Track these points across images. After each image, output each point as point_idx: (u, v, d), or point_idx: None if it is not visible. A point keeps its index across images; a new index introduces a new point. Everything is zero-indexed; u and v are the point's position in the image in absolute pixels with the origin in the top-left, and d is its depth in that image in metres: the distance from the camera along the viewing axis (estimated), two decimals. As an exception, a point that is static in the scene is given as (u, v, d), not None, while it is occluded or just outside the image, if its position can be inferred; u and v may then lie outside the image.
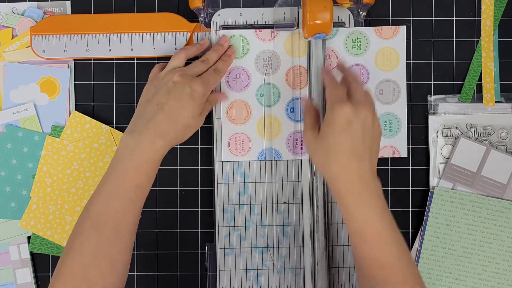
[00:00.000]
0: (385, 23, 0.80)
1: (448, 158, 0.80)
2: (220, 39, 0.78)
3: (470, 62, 0.81)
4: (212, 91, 0.76)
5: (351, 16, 0.78)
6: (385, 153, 0.79)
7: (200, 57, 0.76)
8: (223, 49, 0.77)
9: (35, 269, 0.81)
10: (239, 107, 0.79)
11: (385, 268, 0.65)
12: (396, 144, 0.79)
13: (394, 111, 0.79)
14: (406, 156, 0.80)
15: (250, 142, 0.79)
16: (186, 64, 0.74)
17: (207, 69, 0.74)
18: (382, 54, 0.79)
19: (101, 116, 0.81)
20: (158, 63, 0.81)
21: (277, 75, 0.79)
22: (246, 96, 0.79)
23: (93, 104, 0.81)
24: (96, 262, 0.64)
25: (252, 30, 0.78)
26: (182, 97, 0.69)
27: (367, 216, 0.66)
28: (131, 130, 0.69)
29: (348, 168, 0.66)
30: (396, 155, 0.79)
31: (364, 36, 0.79)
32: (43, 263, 0.81)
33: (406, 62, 0.79)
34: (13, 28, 0.80)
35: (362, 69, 0.79)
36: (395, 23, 0.81)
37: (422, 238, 0.79)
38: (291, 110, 0.79)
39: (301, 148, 0.79)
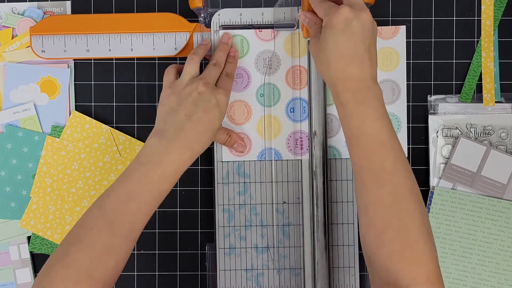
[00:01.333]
0: (385, 23, 0.80)
1: (448, 158, 0.80)
2: (223, 37, 0.77)
3: (470, 62, 0.81)
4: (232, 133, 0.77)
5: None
6: None
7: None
8: (229, 47, 0.77)
9: (35, 269, 0.81)
10: (239, 107, 0.79)
11: (378, 174, 0.63)
12: None
13: (394, 111, 0.79)
14: (406, 156, 0.80)
15: (250, 142, 0.79)
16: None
17: (220, 73, 0.75)
18: (382, 54, 0.79)
19: (101, 116, 0.81)
20: (169, 63, 0.81)
21: (277, 75, 0.79)
22: (246, 96, 0.79)
23: (93, 104, 0.81)
24: (104, 259, 0.64)
25: (252, 30, 0.78)
26: (209, 108, 0.70)
27: (364, 116, 0.64)
28: (159, 135, 0.69)
29: (348, 70, 0.65)
30: None
31: None
32: (43, 263, 0.80)
33: (406, 62, 0.79)
34: (13, 28, 0.80)
35: None
36: (395, 23, 0.81)
37: (422, 238, 0.79)
38: (291, 110, 0.79)
39: (301, 148, 0.79)
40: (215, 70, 0.74)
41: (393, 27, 0.79)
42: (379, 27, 0.78)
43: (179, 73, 0.75)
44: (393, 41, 0.79)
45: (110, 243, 0.65)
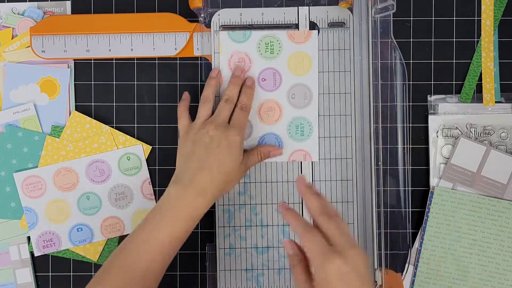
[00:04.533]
0: (385, 23, 0.80)
1: (448, 158, 0.80)
2: (235, 70, 0.78)
3: (470, 62, 0.81)
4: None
5: (351, 16, 0.78)
6: (296, 157, 0.79)
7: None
8: (241, 80, 0.77)
9: (35, 269, 0.81)
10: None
11: None
12: (307, 148, 0.79)
13: (306, 115, 0.79)
14: (317, 160, 0.79)
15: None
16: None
17: (235, 106, 0.75)
18: (294, 58, 0.79)
19: (101, 116, 0.81)
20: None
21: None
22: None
23: (93, 104, 0.81)
24: None
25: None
26: (221, 152, 0.71)
27: None
28: (176, 182, 0.71)
29: None
30: (308, 160, 0.79)
31: (277, 40, 0.78)
32: (43, 263, 0.81)
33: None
34: (13, 28, 0.80)
35: (275, 73, 0.78)
36: (395, 23, 0.80)
37: (422, 238, 0.79)
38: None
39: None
40: (226, 108, 0.74)
41: (306, 31, 0.78)
42: (291, 31, 0.78)
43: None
44: (305, 46, 0.78)
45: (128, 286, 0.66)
